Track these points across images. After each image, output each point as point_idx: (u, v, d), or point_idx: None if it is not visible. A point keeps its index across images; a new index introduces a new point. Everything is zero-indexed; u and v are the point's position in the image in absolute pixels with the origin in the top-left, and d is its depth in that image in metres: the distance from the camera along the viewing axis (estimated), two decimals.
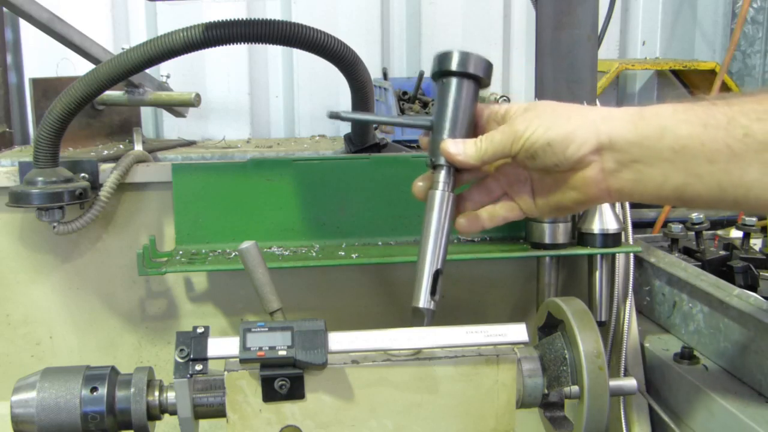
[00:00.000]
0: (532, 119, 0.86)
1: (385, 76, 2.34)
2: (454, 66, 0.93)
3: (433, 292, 0.92)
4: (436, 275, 0.92)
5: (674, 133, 0.79)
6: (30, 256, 1.54)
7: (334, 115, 0.97)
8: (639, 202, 0.89)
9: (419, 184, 0.96)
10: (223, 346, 1.05)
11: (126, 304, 1.57)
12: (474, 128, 0.96)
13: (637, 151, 0.81)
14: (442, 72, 0.94)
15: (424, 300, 0.92)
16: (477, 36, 2.43)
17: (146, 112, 2.28)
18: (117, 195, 1.50)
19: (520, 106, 0.91)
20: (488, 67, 0.95)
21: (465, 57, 0.93)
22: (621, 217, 1.48)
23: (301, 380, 1.04)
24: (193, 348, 1.04)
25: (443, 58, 0.94)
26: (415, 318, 0.93)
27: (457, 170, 0.94)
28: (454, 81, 0.93)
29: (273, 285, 1.13)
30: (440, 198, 0.92)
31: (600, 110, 0.86)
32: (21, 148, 2.00)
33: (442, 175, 0.93)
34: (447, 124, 0.93)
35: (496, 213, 0.96)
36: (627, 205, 1.53)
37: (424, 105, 2.11)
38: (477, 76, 0.94)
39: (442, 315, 1.61)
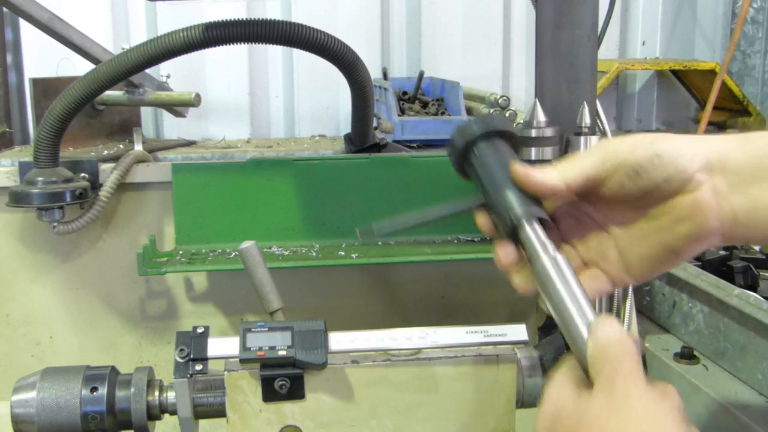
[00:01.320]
0: (625, 138, 0.74)
1: (385, 76, 2.34)
2: (477, 131, 0.79)
3: None
4: None
5: None
6: (30, 256, 1.54)
7: (366, 232, 0.80)
8: (756, 242, 0.74)
9: (516, 280, 0.80)
10: (223, 346, 1.05)
11: (126, 304, 1.57)
12: None
13: (748, 172, 0.71)
14: (467, 144, 0.80)
15: None
16: (477, 36, 2.43)
17: (146, 112, 2.28)
18: (117, 195, 1.50)
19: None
20: (506, 122, 0.83)
21: (482, 119, 0.81)
22: None
23: (301, 380, 1.04)
24: (193, 348, 1.04)
25: (460, 132, 0.81)
26: None
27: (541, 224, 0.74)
28: (483, 144, 0.80)
29: (273, 285, 1.13)
30: (553, 267, 0.71)
31: (694, 136, 0.74)
32: (21, 148, 2.00)
33: (532, 235, 0.73)
34: (503, 177, 0.76)
35: (586, 286, 0.74)
36: None
37: (424, 105, 2.11)
38: (504, 131, 0.80)
39: (442, 315, 1.62)
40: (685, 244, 0.72)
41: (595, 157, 0.74)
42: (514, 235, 0.75)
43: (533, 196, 0.75)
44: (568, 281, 0.70)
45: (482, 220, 0.80)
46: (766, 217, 0.70)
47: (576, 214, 0.79)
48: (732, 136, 0.73)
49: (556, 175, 0.74)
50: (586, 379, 0.66)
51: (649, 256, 0.74)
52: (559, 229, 0.80)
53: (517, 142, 0.82)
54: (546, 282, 0.72)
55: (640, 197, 0.73)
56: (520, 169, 0.75)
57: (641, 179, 0.71)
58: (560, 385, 0.68)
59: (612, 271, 0.77)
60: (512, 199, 0.74)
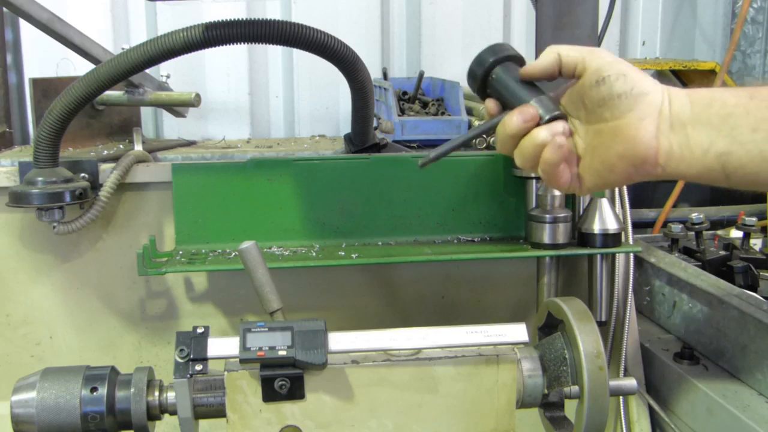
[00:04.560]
0: (610, 54, 0.90)
1: (385, 76, 2.34)
2: (490, 59, 0.95)
3: None
4: None
5: (722, 101, 0.83)
6: (30, 256, 1.54)
7: (426, 163, 0.96)
8: (681, 176, 0.88)
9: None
10: (223, 346, 1.05)
11: (126, 304, 1.57)
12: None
13: (687, 115, 0.84)
14: (486, 71, 0.96)
15: None
16: (477, 36, 2.43)
17: (146, 112, 2.28)
18: (117, 195, 1.50)
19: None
20: (510, 46, 0.98)
21: (492, 49, 0.96)
22: (621, 217, 1.48)
23: (301, 380, 1.04)
24: (193, 348, 1.04)
25: (477, 62, 0.96)
26: None
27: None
28: (498, 68, 0.95)
29: (273, 285, 1.13)
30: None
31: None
32: (21, 148, 2.00)
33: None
34: (523, 90, 0.93)
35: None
36: (627, 204, 1.53)
37: (424, 105, 2.11)
38: (511, 55, 0.96)
39: (442, 315, 1.62)
40: (619, 162, 0.86)
41: (584, 50, 0.89)
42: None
43: (553, 102, 0.91)
44: None
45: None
46: (697, 152, 0.83)
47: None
48: (677, 89, 0.87)
49: (551, 55, 0.90)
50: None
51: (591, 167, 0.89)
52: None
53: (522, 60, 0.96)
54: None
55: (601, 102, 0.86)
56: (525, 69, 0.92)
57: (602, 89, 0.86)
58: None
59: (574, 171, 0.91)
60: (538, 104, 0.91)
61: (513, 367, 1.10)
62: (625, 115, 0.85)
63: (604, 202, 1.43)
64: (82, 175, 1.47)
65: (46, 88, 1.83)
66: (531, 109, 0.90)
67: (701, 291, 1.44)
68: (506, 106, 0.94)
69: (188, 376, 1.03)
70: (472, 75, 0.97)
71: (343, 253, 1.44)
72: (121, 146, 1.91)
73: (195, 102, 1.81)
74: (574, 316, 1.10)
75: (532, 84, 0.93)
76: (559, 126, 0.89)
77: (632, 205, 1.56)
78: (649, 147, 0.84)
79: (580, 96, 0.89)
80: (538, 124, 0.89)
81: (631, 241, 1.51)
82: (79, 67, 2.03)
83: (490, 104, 0.95)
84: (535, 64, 0.92)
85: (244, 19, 1.35)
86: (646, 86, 0.85)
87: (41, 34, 1.66)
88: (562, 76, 0.92)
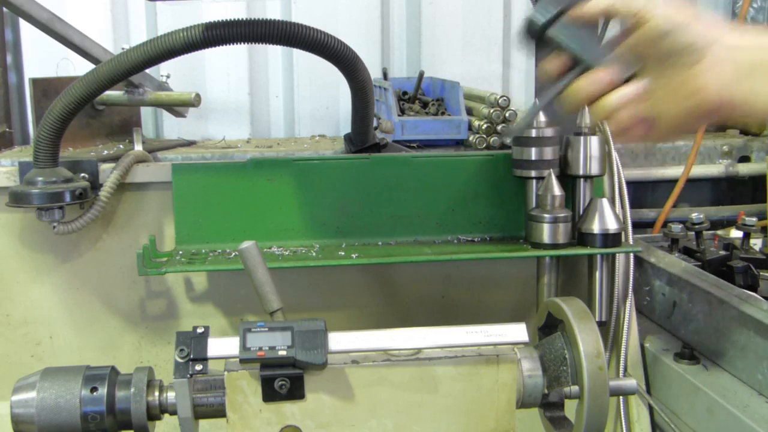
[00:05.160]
0: (669, 7, 0.89)
1: (385, 76, 2.34)
2: (556, 8, 0.93)
3: None
4: None
5: None
6: (30, 256, 1.54)
7: (512, 134, 0.96)
8: (746, 123, 0.89)
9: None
10: (223, 346, 1.05)
11: (126, 304, 1.57)
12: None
13: (756, 60, 0.84)
14: (543, 27, 0.94)
15: None
16: (477, 36, 2.43)
17: (146, 112, 2.28)
18: (117, 195, 1.50)
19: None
20: None
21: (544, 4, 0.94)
22: (621, 217, 1.48)
23: (301, 380, 1.05)
24: (193, 348, 1.05)
25: (540, 10, 0.94)
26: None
27: None
28: (563, 20, 0.93)
29: (273, 285, 1.13)
30: None
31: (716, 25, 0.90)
32: (21, 148, 2.00)
33: None
34: (597, 44, 0.92)
35: None
36: (627, 204, 1.53)
37: (424, 105, 2.11)
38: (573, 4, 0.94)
39: (442, 315, 1.62)
40: (691, 112, 0.86)
41: (645, 4, 0.87)
42: None
43: (628, 59, 0.90)
44: None
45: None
46: (762, 99, 0.84)
47: None
48: (742, 33, 0.86)
49: (603, 3, 0.89)
50: None
51: (662, 118, 0.88)
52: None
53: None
54: None
55: (660, 60, 0.86)
56: (574, 12, 0.91)
57: (667, 40, 0.84)
58: None
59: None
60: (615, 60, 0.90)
61: (513, 367, 1.10)
62: (692, 66, 0.84)
63: (604, 202, 1.43)
64: (82, 175, 1.47)
65: (46, 88, 1.83)
66: (615, 67, 0.89)
67: (701, 291, 1.44)
68: (574, 60, 0.92)
69: (188, 376, 1.03)
70: (531, 26, 0.94)
71: (343, 253, 1.44)
72: (121, 146, 1.91)
73: (195, 102, 1.81)
74: (574, 316, 1.10)
75: (595, 36, 0.92)
76: (640, 83, 0.88)
77: (632, 205, 1.56)
78: (719, 95, 0.84)
79: (643, 47, 0.88)
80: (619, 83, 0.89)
81: (631, 241, 1.51)
82: (79, 67, 2.03)
83: (560, 60, 0.94)
84: (586, 9, 0.90)
85: (244, 19, 1.35)
86: (711, 35, 0.85)
87: (41, 34, 1.66)
88: (610, 20, 0.91)
